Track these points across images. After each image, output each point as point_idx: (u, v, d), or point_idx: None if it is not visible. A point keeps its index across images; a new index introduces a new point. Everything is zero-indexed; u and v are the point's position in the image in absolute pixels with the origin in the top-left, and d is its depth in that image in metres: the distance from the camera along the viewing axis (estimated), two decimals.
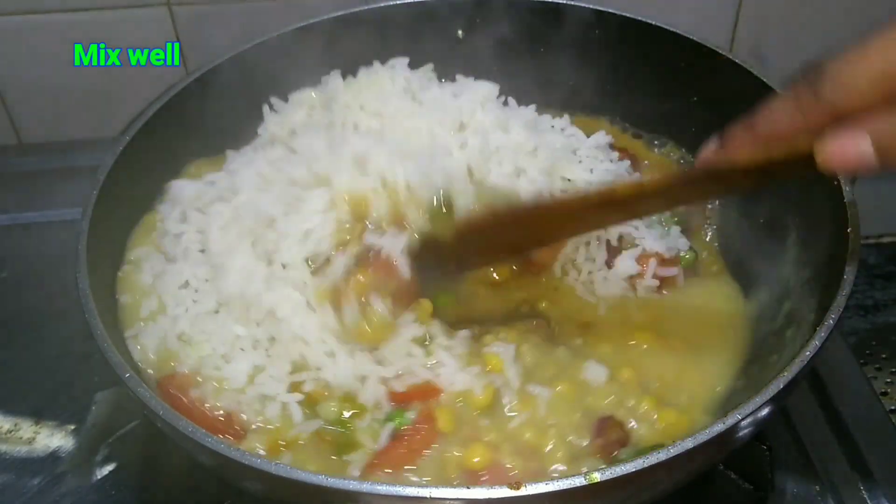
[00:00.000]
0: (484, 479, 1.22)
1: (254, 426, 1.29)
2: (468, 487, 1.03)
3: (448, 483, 1.22)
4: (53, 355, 1.67)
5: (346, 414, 1.30)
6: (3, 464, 1.52)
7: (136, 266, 1.48)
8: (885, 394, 1.91)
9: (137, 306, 1.42)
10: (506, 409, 1.32)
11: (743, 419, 1.09)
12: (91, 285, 1.28)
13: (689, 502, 1.37)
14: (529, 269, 1.50)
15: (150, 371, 1.35)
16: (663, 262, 1.47)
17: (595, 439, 1.27)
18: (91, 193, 1.41)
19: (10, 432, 1.57)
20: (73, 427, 1.56)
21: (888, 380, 1.95)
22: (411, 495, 1.03)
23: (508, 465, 1.24)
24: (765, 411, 1.12)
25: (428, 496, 1.03)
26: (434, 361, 1.34)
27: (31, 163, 2.07)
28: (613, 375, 1.35)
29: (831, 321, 1.19)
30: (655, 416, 1.29)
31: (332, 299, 1.32)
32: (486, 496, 1.02)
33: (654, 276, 1.46)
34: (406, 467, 1.25)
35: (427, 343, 1.35)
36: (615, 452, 1.26)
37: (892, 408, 1.87)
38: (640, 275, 1.46)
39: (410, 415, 1.30)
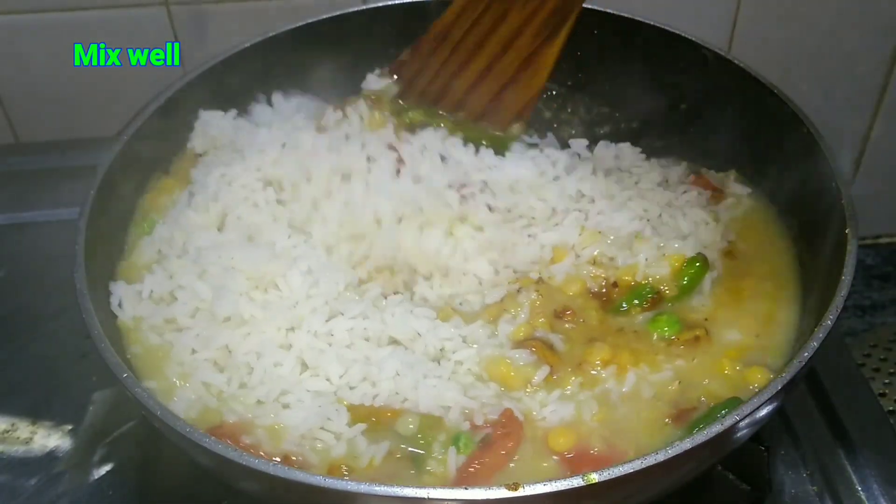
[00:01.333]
0: (569, 455, 1.24)
1: (316, 461, 1.24)
2: (466, 488, 1.04)
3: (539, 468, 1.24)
4: (50, 355, 1.67)
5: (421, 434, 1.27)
6: None
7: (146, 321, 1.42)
8: (883, 395, 1.90)
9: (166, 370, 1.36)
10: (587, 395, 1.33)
11: (741, 420, 1.09)
12: (88, 285, 1.28)
13: (687, 502, 1.37)
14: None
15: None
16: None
17: (670, 409, 1.29)
18: (88, 193, 1.41)
19: (7, 432, 1.56)
20: (70, 427, 1.56)
21: (886, 380, 1.95)
22: (409, 496, 1.03)
23: (594, 451, 1.25)
24: (763, 412, 1.12)
25: (426, 496, 1.03)
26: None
27: (28, 162, 2.06)
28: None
29: (829, 322, 1.19)
30: (726, 371, 1.34)
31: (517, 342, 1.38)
32: (485, 497, 1.02)
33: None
34: (497, 474, 1.23)
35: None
36: (690, 417, 1.27)
37: (891, 408, 1.87)
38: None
39: (477, 438, 1.25)
